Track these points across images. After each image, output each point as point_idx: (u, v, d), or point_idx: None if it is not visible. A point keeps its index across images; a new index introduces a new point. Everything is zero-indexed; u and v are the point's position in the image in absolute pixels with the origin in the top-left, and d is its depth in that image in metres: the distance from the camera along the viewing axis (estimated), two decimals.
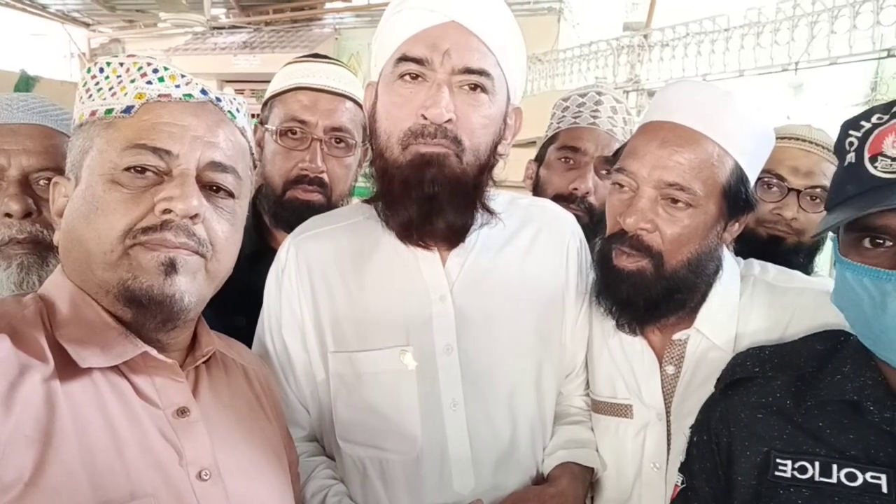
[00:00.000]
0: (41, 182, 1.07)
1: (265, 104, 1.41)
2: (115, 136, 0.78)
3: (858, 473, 0.79)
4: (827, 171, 1.33)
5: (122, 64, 0.83)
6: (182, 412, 0.78)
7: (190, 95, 0.82)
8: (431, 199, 0.99)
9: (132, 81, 0.81)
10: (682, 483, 0.98)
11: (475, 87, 0.99)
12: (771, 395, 0.89)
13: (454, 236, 1.05)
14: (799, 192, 1.33)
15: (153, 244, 0.75)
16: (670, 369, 1.08)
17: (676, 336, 1.08)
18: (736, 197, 1.01)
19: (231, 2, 5.66)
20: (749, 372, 0.92)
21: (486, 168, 1.03)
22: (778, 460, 0.84)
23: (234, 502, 0.78)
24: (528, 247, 1.12)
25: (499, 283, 1.08)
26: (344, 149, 1.37)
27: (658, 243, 1.00)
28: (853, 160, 0.78)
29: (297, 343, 1.11)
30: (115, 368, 0.75)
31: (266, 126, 1.37)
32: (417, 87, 0.98)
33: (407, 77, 0.99)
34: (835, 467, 0.80)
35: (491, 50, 0.99)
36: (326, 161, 1.34)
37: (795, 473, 0.83)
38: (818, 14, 3.35)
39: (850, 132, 0.80)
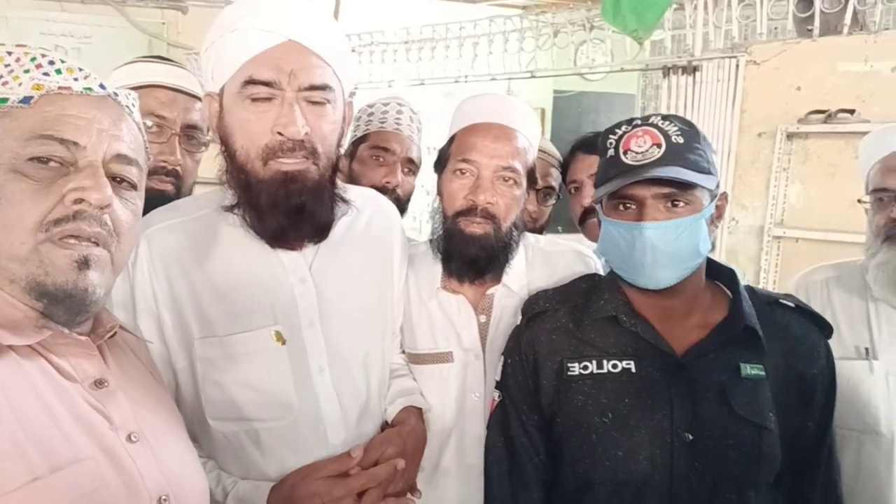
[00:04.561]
0: None
1: None
2: (14, 125, 0.78)
3: (618, 363, 1.19)
4: (553, 174, 1.85)
5: (10, 53, 0.82)
6: (99, 383, 0.83)
7: (90, 89, 0.84)
8: (299, 209, 1.12)
9: (26, 71, 0.81)
10: (499, 397, 1.31)
11: (320, 99, 1.11)
12: (559, 321, 1.26)
13: (321, 234, 1.20)
14: (537, 190, 1.78)
15: (67, 235, 0.78)
16: (482, 318, 1.40)
17: (489, 291, 1.41)
18: (531, 175, 1.40)
19: None
20: (542, 307, 1.29)
21: (336, 165, 1.20)
22: (568, 364, 1.22)
23: (160, 460, 0.85)
24: (365, 230, 1.31)
25: (348, 262, 1.25)
26: (196, 145, 1.45)
27: (497, 212, 1.33)
28: (613, 153, 1.17)
29: (154, 335, 1.14)
30: (30, 348, 0.78)
31: None
32: (267, 105, 1.08)
33: (257, 97, 1.08)
34: (605, 361, 1.20)
35: (327, 62, 1.12)
36: (182, 155, 1.40)
37: (581, 371, 1.21)
38: (479, 37, 4.08)
39: (610, 136, 1.19)
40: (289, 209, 1.12)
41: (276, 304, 1.17)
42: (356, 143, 1.86)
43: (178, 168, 1.42)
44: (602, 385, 1.19)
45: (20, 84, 0.79)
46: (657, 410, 1.15)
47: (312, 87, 1.10)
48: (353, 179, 1.80)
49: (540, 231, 1.85)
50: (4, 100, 0.78)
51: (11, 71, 0.80)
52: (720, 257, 3.32)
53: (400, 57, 4.30)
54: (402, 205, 1.78)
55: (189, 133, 1.45)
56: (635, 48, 3.72)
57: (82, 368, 0.82)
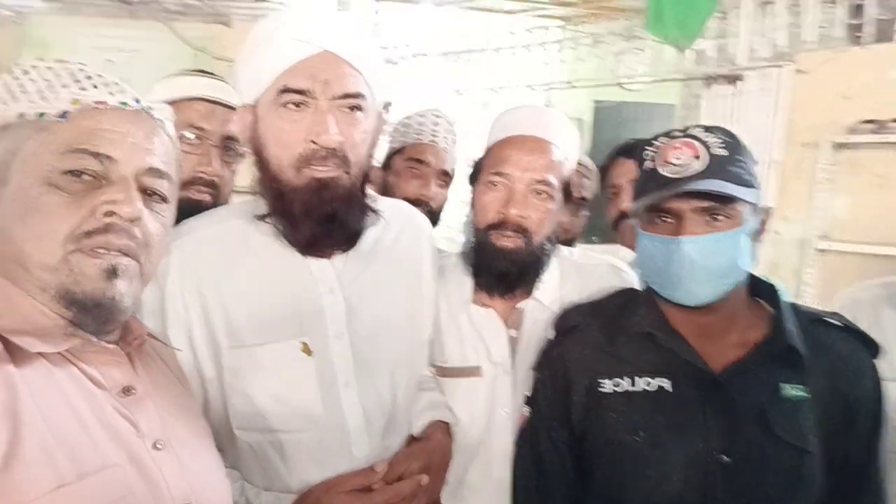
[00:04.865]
0: None
1: None
2: (51, 139, 0.80)
3: (652, 381, 1.16)
4: (585, 184, 1.84)
5: (50, 68, 0.84)
6: (127, 391, 0.84)
7: (125, 103, 0.86)
8: (331, 217, 1.13)
9: (64, 86, 0.83)
10: (529, 413, 1.29)
11: (352, 108, 1.13)
12: (591, 336, 1.23)
13: (351, 242, 1.20)
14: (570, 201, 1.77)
15: (97, 247, 0.79)
16: (513, 332, 1.38)
17: (520, 305, 1.39)
18: (567, 188, 1.38)
19: None
20: (575, 321, 1.26)
21: (367, 174, 1.21)
22: (600, 380, 1.19)
23: (185, 469, 0.86)
24: (395, 242, 1.31)
25: (376, 274, 1.25)
26: (233, 156, 1.48)
27: (530, 225, 1.32)
28: (651, 166, 1.14)
29: (183, 343, 1.15)
30: (61, 356, 0.79)
31: None
32: (301, 113, 1.10)
33: (291, 105, 1.10)
34: (638, 379, 1.17)
35: (360, 72, 1.14)
36: (219, 166, 1.42)
37: (614, 388, 1.18)
38: (517, 48, 4.07)
39: (648, 148, 1.16)
40: (321, 216, 1.13)
41: (303, 315, 1.17)
42: (392, 156, 1.87)
43: (216, 179, 1.44)
44: (635, 403, 1.16)
45: (58, 99, 0.82)
46: (692, 430, 1.11)
47: (346, 96, 1.11)
48: (387, 191, 1.81)
49: (571, 242, 1.82)
50: (42, 114, 0.81)
51: (51, 85, 0.82)
52: (761, 271, 3.22)
53: (437, 67, 4.31)
54: (434, 216, 1.79)
55: (227, 144, 1.48)
56: (676, 58, 3.67)
57: (111, 376, 0.84)
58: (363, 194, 1.20)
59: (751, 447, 1.09)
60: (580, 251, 1.52)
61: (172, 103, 1.41)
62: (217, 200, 1.45)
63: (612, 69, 4.16)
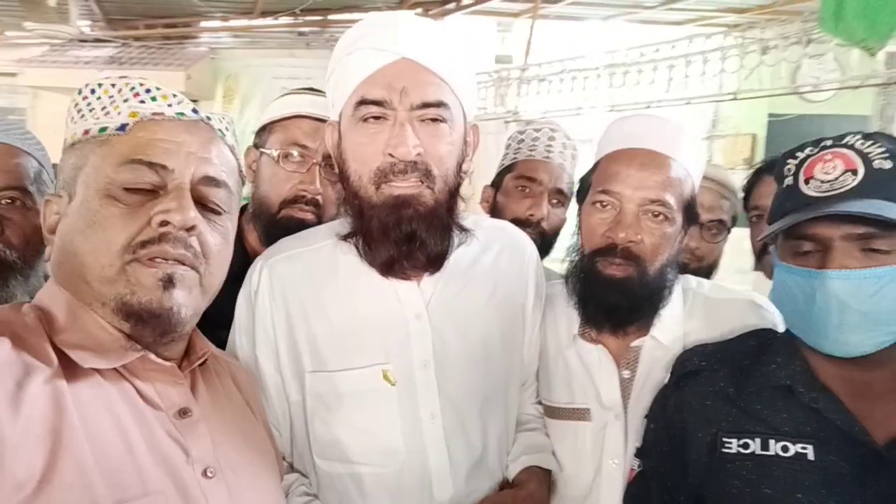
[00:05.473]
0: (3, 202, 1.05)
1: (261, 129, 1.46)
2: (110, 152, 0.80)
3: (790, 445, 0.94)
4: (723, 205, 1.58)
5: (113, 85, 0.85)
6: (183, 413, 0.82)
7: (182, 114, 0.85)
8: (411, 237, 1.05)
9: (125, 101, 0.84)
10: (639, 467, 1.11)
11: (435, 118, 1.04)
12: (716, 384, 1.03)
13: (435, 264, 1.11)
14: (702, 224, 1.52)
15: (152, 257, 0.78)
16: (626, 373, 1.21)
17: (635, 343, 1.21)
18: (691, 209, 1.19)
19: (97, 14, 5.30)
20: (697, 366, 1.07)
21: (455, 190, 1.11)
22: (724, 439, 0.99)
23: (235, 499, 0.81)
24: (493, 266, 1.19)
25: (469, 300, 1.15)
26: (336, 174, 1.43)
27: (643, 252, 1.14)
28: (791, 182, 0.95)
29: (271, 365, 1.13)
30: (117, 372, 0.78)
31: (262, 149, 1.42)
32: (380, 126, 1.03)
33: (369, 119, 1.03)
34: (772, 442, 0.95)
35: (443, 79, 1.04)
36: (323, 184, 1.40)
37: (740, 449, 0.97)
38: (675, 59, 3.79)
39: (788, 161, 0.96)
40: (399, 237, 1.05)
41: (388, 342, 1.10)
42: (502, 173, 1.75)
43: (318, 197, 1.41)
44: (767, 471, 0.95)
45: (119, 113, 0.82)
46: None
47: (426, 105, 1.02)
48: (497, 212, 1.69)
49: (708, 273, 1.58)
50: (104, 129, 0.82)
51: (113, 101, 0.83)
52: None
53: (590, 84, 4.14)
54: (547, 239, 1.64)
55: (330, 162, 1.41)
56: (867, 62, 3.21)
57: (168, 396, 0.81)
58: (449, 212, 1.10)
59: None
60: (711, 283, 1.29)
61: (281, 121, 1.43)
62: (321, 219, 1.42)
63: (789, 78, 3.73)
